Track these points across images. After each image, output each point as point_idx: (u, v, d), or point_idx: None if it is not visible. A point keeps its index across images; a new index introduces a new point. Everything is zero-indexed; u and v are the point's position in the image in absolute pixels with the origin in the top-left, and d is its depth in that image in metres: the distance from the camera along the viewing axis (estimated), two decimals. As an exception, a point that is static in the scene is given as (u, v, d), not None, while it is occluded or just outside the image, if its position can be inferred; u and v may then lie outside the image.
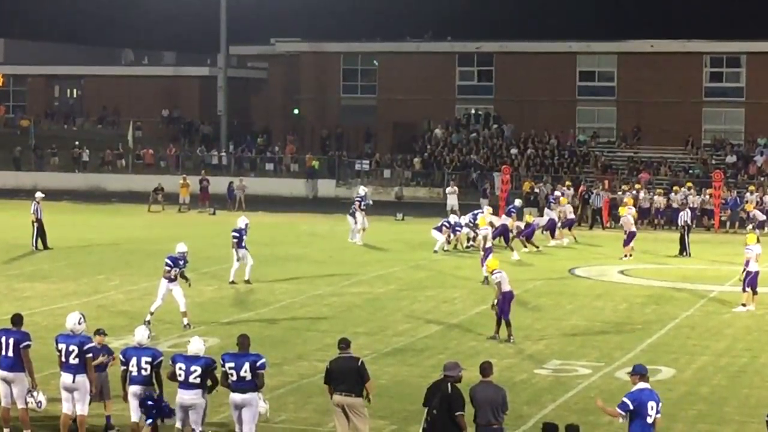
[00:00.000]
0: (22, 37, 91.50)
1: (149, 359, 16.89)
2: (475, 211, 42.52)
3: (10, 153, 72.68)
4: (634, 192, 51.50)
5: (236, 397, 16.59)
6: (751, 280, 29.57)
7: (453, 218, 43.13)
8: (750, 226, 45.65)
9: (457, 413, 15.11)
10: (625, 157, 68.29)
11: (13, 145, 73.71)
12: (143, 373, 16.87)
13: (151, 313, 26.02)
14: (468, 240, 42.10)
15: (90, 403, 17.63)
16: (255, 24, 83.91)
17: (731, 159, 65.32)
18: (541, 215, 47.67)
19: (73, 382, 17.11)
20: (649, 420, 14.79)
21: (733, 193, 53.53)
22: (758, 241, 30.75)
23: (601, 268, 37.98)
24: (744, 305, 29.67)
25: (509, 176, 54.65)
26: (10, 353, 17.31)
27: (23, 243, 40.15)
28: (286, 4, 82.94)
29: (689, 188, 52.77)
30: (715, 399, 20.80)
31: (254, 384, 16.54)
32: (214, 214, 55.57)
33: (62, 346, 17.19)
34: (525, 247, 41.39)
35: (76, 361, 17.09)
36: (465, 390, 15.33)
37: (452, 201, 54.13)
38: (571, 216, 46.09)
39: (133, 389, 16.95)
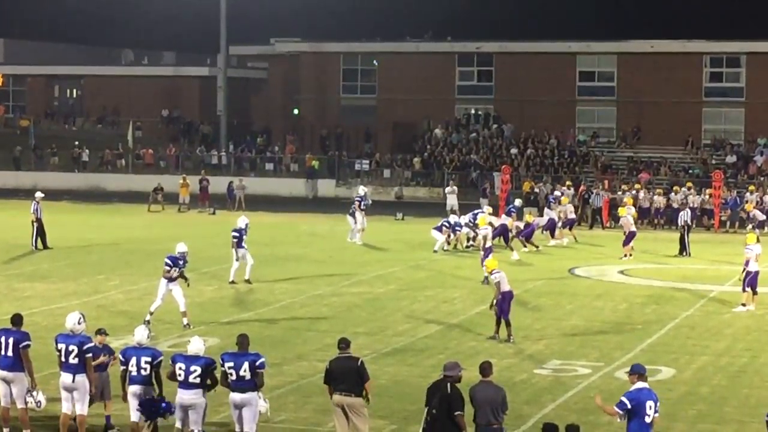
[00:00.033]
0: (22, 37, 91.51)
1: (149, 359, 16.89)
2: (475, 211, 42.52)
3: (10, 153, 72.70)
4: (634, 192, 51.49)
5: (236, 396, 16.59)
6: (751, 280, 29.56)
7: (453, 218, 43.13)
8: (750, 226, 45.68)
9: (456, 413, 15.11)
10: (625, 157, 68.29)
11: (13, 145, 73.74)
12: (143, 373, 16.86)
13: (151, 313, 26.01)
14: (468, 240, 42.10)
15: (92, 404, 17.64)
16: (255, 24, 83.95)
17: (731, 159, 65.33)
18: (541, 215, 47.67)
19: (73, 381, 17.10)
20: (648, 420, 14.78)
21: (733, 193, 53.53)
22: (758, 240, 30.73)
23: (601, 267, 37.97)
24: (744, 305, 29.66)
25: (509, 176, 54.64)
26: (10, 353, 17.29)
27: (23, 243, 40.15)
28: (286, 4, 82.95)
29: (689, 188, 52.77)
30: (715, 399, 20.79)
31: (254, 383, 16.54)
32: (213, 214, 55.57)
33: (62, 346, 17.18)
34: (525, 247, 41.39)
35: (76, 360, 17.08)
36: (465, 390, 15.33)
37: (452, 201, 54.15)
38: (572, 216, 46.10)
39: (133, 389, 16.94)
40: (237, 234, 32.54)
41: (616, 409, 14.88)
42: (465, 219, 42.40)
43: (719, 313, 29.54)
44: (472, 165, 67.92)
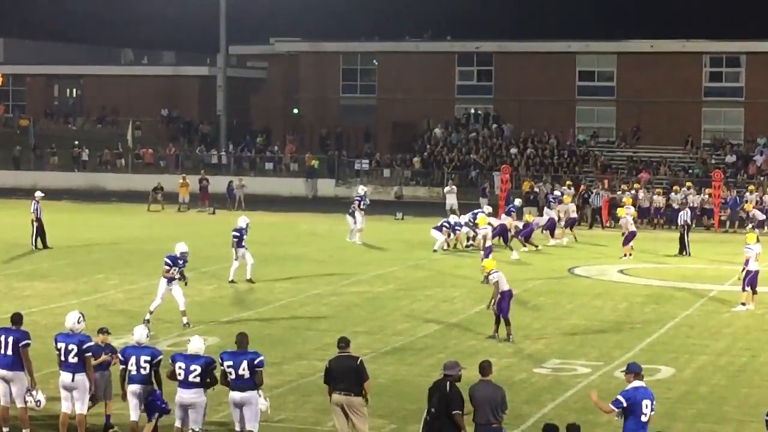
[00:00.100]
0: (22, 37, 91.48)
1: (148, 358, 16.89)
2: (475, 211, 42.55)
3: (10, 152, 72.71)
4: (633, 192, 51.46)
5: (235, 395, 16.58)
6: (750, 280, 29.57)
7: (453, 218, 43.13)
8: (749, 226, 45.68)
9: (455, 412, 15.10)
10: (625, 156, 68.30)
11: (13, 144, 73.76)
12: (142, 372, 16.86)
13: (151, 312, 26.00)
14: (468, 239, 42.10)
15: (96, 403, 17.66)
16: (254, 24, 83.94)
17: (731, 158, 65.33)
18: (541, 215, 47.66)
19: (72, 381, 17.09)
20: (644, 418, 14.78)
21: (733, 192, 53.53)
22: (758, 240, 30.74)
23: (600, 267, 37.98)
24: (743, 304, 29.67)
25: (509, 176, 54.64)
26: (10, 352, 17.28)
27: (23, 242, 40.15)
28: (286, 3, 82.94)
29: (689, 188, 52.75)
30: (714, 398, 20.78)
31: (253, 382, 16.54)
32: (213, 213, 55.57)
33: (61, 345, 17.17)
34: (524, 246, 41.40)
35: (75, 360, 17.07)
36: (464, 389, 15.32)
37: (451, 200, 54.18)
38: (574, 215, 46.13)
39: (132, 388, 16.94)
40: (237, 234, 32.54)
41: (612, 407, 14.89)
42: (465, 219, 42.42)
43: (719, 312, 29.54)
44: (471, 164, 67.93)
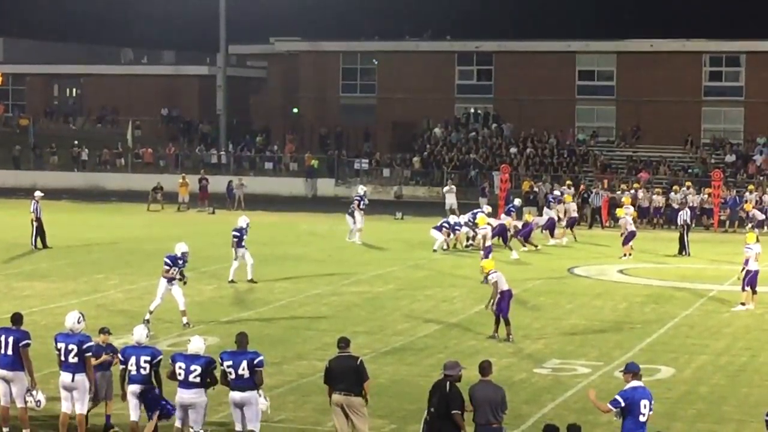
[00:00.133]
0: (22, 36, 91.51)
1: (148, 358, 16.89)
2: (475, 210, 42.57)
3: (10, 152, 72.75)
4: (632, 191, 51.44)
5: (235, 395, 16.59)
6: (750, 279, 29.58)
7: (453, 218, 43.11)
8: (749, 225, 45.68)
9: (454, 411, 15.10)
10: (625, 156, 68.31)
11: (13, 144, 73.79)
12: (142, 372, 16.86)
13: (150, 312, 26.00)
14: (467, 239, 42.10)
15: (97, 403, 17.67)
16: (254, 23, 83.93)
17: (730, 158, 65.33)
18: (541, 214, 47.66)
19: (72, 381, 17.09)
20: (642, 418, 14.79)
21: (733, 192, 53.53)
22: (758, 240, 30.74)
23: (600, 267, 37.98)
24: (743, 304, 29.67)
25: (508, 175, 54.64)
26: (10, 352, 17.29)
27: (22, 242, 40.14)
28: (286, 3, 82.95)
29: (688, 187, 52.75)
30: (714, 398, 20.79)
31: (253, 382, 16.54)
32: (213, 213, 55.58)
33: (61, 345, 17.17)
34: (524, 246, 41.39)
35: (75, 360, 17.07)
36: (465, 389, 15.33)
37: (450, 200, 54.18)
38: (575, 214, 46.17)
39: (132, 388, 16.95)
40: (238, 233, 32.53)
41: (610, 407, 14.90)
42: (464, 218, 42.41)
43: (718, 312, 29.55)
44: (471, 164, 67.93)
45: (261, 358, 16.69)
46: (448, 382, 15.29)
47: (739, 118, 70.71)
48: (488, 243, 36.53)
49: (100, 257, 38.38)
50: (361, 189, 45.75)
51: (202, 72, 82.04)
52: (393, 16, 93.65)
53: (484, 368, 15.42)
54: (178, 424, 16.71)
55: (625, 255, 39.74)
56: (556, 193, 49.30)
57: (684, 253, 41.15)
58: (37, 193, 40.79)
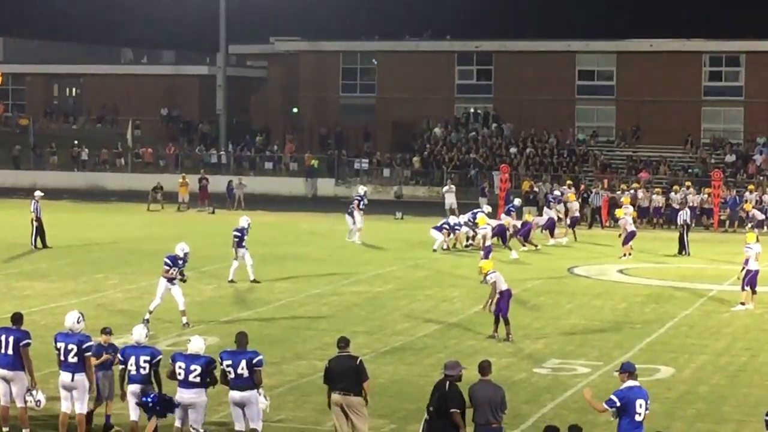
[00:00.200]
0: (22, 36, 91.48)
1: (148, 358, 16.90)
2: (475, 210, 42.57)
3: (9, 152, 72.72)
4: (632, 191, 51.41)
5: (235, 394, 16.59)
6: (750, 279, 29.58)
7: (453, 219, 43.09)
8: (749, 225, 45.69)
9: (452, 410, 15.10)
10: (625, 156, 68.32)
11: (12, 143, 73.76)
12: (142, 372, 16.87)
13: (150, 312, 26.01)
14: (467, 239, 42.10)
15: (100, 404, 17.68)
16: (254, 23, 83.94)
17: (730, 158, 65.33)
18: (540, 214, 47.66)
19: (72, 380, 17.10)
20: (638, 418, 14.79)
21: (732, 192, 53.50)
22: (758, 240, 30.75)
23: (600, 267, 37.98)
24: (743, 304, 29.67)
25: (508, 175, 54.64)
26: (10, 351, 17.29)
27: (22, 242, 40.14)
28: (286, 3, 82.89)
29: (688, 187, 52.75)
30: (714, 398, 20.79)
31: (252, 381, 16.54)
32: (213, 213, 55.58)
33: (61, 345, 17.18)
34: (524, 246, 41.39)
35: (75, 359, 17.07)
36: (464, 389, 15.33)
37: (450, 199, 54.18)
38: (578, 214, 46.20)
39: (132, 388, 16.95)
40: (239, 233, 32.52)
41: (605, 406, 14.91)
42: (464, 218, 42.40)
43: (718, 312, 29.55)
44: (471, 164, 67.93)
45: (260, 357, 16.69)
46: (448, 382, 15.30)
47: (739, 118, 70.70)
48: (488, 243, 36.51)
49: (100, 257, 38.38)
50: (361, 189, 45.75)
51: (202, 72, 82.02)
52: (393, 16, 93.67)
53: (484, 368, 15.43)
54: (177, 423, 16.71)
55: (624, 255, 39.74)
56: (556, 193, 49.29)
57: (684, 252, 41.16)
58: (37, 193, 40.80)
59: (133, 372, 16.90)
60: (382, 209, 53.67)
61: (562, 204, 47.25)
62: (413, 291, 32.11)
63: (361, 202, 43.51)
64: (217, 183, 60.61)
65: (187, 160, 72.32)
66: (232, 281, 32.46)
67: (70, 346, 17.09)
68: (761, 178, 61.68)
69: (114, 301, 29.79)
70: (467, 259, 38.16)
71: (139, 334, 17.25)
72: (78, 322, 17.37)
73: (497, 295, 25.23)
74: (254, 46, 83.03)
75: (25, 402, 17.43)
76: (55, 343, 17.29)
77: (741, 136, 69.32)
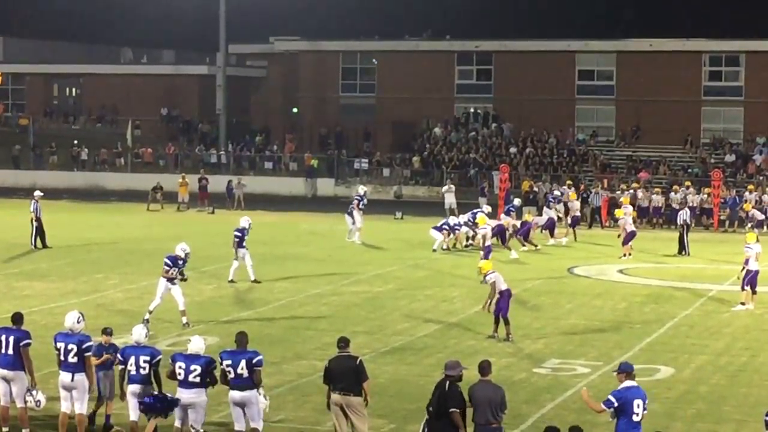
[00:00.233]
0: (21, 36, 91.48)
1: (147, 358, 16.90)
2: (475, 210, 42.57)
3: (9, 151, 72.73)
4: (631, 191, 51.40)
5: (235, 394, 16.60)
6: (750, 279, 29.58)
7: (453, 219, 43.07)
8: (749, 225, 45.68)
9: (452, 410, 15.10)
10: (624, 156, 68.32)
11: (12, 143, 73.77)
12: (142, 372, 16.87)
13: (150, 312, 26.01)
14: (467, 239, 42.10)
15: (101, 404, 17.67)
16: (254, 23, 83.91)
17: (730, 158, 65.33)
18: (540, 214, 47.66)
19: (72, 380, 17.10)
20: (636, 418, 14.79)
21: (732, 192, 53.50)
22: (758, 240, 30.75)
23: (600, 267, 37.98)
24: (743, 304, 29.68)
25: (508, 175, 54.64)
26: (10, 351, 17.30)
27: (22, 242, 40.14)
28: (285, 2, 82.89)
29: (688, 187, 52.74)
30: (714, 398, 20.79)
31: (252, 381, 16.55)
32: (213, 213, 55.58)
33: (61, 345, 17.18)
34: (524, 246, 41.39)
35: (75, 359, 17.08)
36: (464, 389, 15.33)
37: (450, 199, 54.17)
38: (578, 213, 46.22)
39: (132, 388, 16.95)
40: (239, 234, 32.51)
41: (603, 407, 14.91)
42: (464, 218, 42.40)
43: (718, 312, 29.55)
44: (471, 164, 67.93)
45: (260, 357, 16.70)
46: (448, 382, 15.30)
47: (739, 118, 70.70)
48: (488, 243, 36.50)
49: (100, 257, 38.38)
50: (361, 189, 45.75)
51: (202, 72, 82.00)
52: (393, 16, 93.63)
53: (484, 368, 15.43)
54: (177, 423, 16.72)
55: (624, 255, 39.74)
56: (556, 192, 49.28)
57: (684, 252, 41.16)
58: (37, 193, 40.80)
59: (133, 372, 16.90)
60: (382, 209, 53.66)
61: (561, 204, 47.24)
62: (413, 291, 32.11)
63: (361, 202, 43.52)
64: (217, 183, 60.60)
65: (187, 160, 72.32)
66: (232, 281, 32.46)
67: (70, 346, 17.09)
68: (761, 178, 61.67)
69: (114, 301, 29.80)
70: (467, 259, 38.17)
71: (138, 334, 17.26)
72: (78, 322, 17.38)
73: (497, 295, 25.23)
74: (254, 45, 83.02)
75: (25, 402, 17.43)
76: (55, 343, 17.29)
77: (741, 136, 69.33)
